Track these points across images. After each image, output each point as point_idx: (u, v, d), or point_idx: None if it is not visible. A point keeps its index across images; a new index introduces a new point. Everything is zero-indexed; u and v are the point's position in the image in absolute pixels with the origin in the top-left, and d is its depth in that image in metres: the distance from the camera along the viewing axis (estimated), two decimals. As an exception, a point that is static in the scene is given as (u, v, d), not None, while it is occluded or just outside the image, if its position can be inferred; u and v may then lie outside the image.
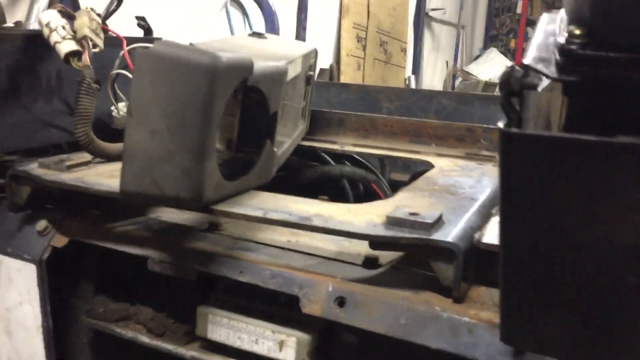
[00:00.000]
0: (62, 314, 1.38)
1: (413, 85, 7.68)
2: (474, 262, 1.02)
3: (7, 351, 1.42)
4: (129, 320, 1.33)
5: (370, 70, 7.02)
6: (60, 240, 1.31)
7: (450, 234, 1.00)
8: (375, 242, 1.03)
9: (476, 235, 1.05)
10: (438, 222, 1.03)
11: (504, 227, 0.74)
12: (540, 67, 0.68)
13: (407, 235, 1.00)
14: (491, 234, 1.07)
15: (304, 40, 5.58)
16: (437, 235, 0.99)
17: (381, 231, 1.02)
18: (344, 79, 6.65)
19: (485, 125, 1.63)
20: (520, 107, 0.73)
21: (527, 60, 0.72)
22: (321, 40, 6.04)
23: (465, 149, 1.64)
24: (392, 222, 1.03)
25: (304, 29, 6.20)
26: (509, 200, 0.71)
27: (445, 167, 1.51)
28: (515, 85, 0.69)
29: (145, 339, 1.27)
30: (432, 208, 1.12)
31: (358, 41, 6.85)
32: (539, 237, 0.72)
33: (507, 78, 0.68)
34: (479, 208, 1.17)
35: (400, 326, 0.97)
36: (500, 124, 0.69)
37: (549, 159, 0.66)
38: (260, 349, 1.15)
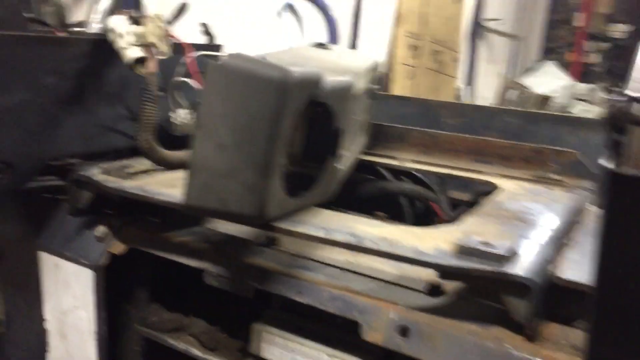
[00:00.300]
0: (116, 321, 1.38)
1: (464, 97, 7.55)
2: (548, 297, 0.96)
3: (61, 354, 1.43)
4: (182, 332, 1.31)
5: (423, 80, 6.94)
6: (118, 248, 1.30)
7: (524, 267, 0.94)
8: (445, 272, 0.98)
9: (551, 269, 0.99)
10: (511, 254, 0.98)
11: (602, 268, 0.68)
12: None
13: (479, 266, 0.94)
14: (567, 268, 1.01)
15: (356, 48, 5.54)
16: (511, 268, 0.94)
17: (451, 261, 0.97)
18: (396, 88, 6.59)
19: (554, 148, 1.56)
20: (624, 144, 0.67)
21: (633, 91, 0.66)
22: (373, 48, 6.00)
23: (532, 171, 1.56)
24: (463, 251, 0.98)
25: (358, 36, 6.17)
26: (612, 240, 0.66)
27: (512, 190, 1.44)
28: (622, 121, 0.64)
29: (197, 352, 1.26)
30: (503, 237, 1.06)
31: (411, 50, 6.78)
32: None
33: (615, 113, 0.63)
34: (552, 238, 1.11)
35: (468, 362, 0.92)
36: (605, 162, 0.63)
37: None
38: (315, 372, 1.12)
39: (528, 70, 9.13)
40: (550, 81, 8.12)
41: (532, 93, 7.36)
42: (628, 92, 0.66)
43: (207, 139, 0.99)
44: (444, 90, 7.33)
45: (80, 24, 2.08)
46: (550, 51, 9.95)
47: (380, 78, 5.91)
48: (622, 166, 0.63)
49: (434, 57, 7.05)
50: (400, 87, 6.54)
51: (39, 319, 1.45)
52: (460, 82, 7.68)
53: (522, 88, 7.60)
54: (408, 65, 6.61)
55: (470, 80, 7.96)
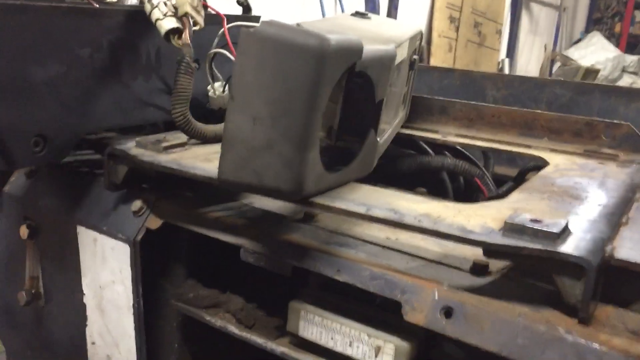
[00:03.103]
0: (153, 296, 1.37)
1: (507, 69, 7.35)
2: (603, 278, 0.90)
3: (99, 328, 1.43)
4: (218, 308, 1.30)
5: (463, 52, 6.77)
6: (155, 222, 1.29)
7: (579, 246, 0.88)
8: (492, 250, 0.92)
9: (607, 249, 0.93)
10: (564, 232, 0.92)
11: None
12: None
13: (530, 245, 0.89)
14: (625, 247, 0.95)
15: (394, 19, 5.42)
16: (565, 248, 0.88)
17: (499, 239, 0.91)
18: (434, 61, 6.44)
19: (607, 120, 1.47)
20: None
21: None
22: (412, 19, 5.86)
23: (584, 145, 1.48)
24: (511, 228, 0.92)
25: (396, 7, 6.03)
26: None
27: (562, 164, 1.37)
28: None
29: (234, 329, 1.24)
30: (554, 214, 1.00)
31: (451, 22, 6.61)
32: None
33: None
34: (607, 216, 1.04)
35: (517, 346, 0.87)
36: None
37: None
38: (354, 352, 1.08)
39: (574, 42, 8.80)
40: (597, 53, 7.82)
41: (578, 65, 7.10)
42: None
43: (241, 111, 0.95)
44: (485, 63, 7.14)
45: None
46: (597, 22, 9.56)
47: (421, 52, 5.79)
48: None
49: (475, 29, 6.86)
50: (440, 61, 6.40)
51: (78, 293, 1.45)
52: (502, 54, 7.46)
53: (568, 60, 7.33)
54: (447, 37, 6.46)
55: (512, 53, 7.72)
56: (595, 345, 0.83)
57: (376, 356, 1.06)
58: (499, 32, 7.26)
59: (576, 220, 0.98)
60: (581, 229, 0.95)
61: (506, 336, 0.88)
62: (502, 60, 7.37)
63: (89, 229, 1.39)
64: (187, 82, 1.30)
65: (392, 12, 5.62)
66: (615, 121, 1.47)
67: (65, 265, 1.46)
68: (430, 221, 0.98)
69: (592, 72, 6.78)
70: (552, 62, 7.72)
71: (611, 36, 9.04)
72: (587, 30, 9.26)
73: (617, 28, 9.40)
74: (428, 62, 6.34)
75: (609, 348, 0.82)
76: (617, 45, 8.56)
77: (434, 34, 6.49)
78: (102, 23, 1.34)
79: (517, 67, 7.77)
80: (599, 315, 0.90)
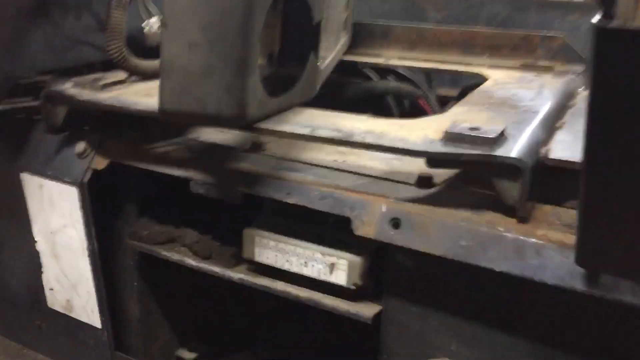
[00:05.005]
0: (107, 237, 1.37)
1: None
2: (539, 179, 0.94)
3: (56, 274, 1.43)
4: (174, 243, 1.31)
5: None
6: (100, 163, 1.27)
7: (515, 149, 0.92)
8: (434, 159, 0.95)
9: (542, 151, 0.97)
10: (501, 137, 0.95)
11: (589, 137, 0.65)
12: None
13: (469, 151, 0.92)
14: (558, 149, 0.99)
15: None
16: (501, 151, 0.91)
17: (440, 148, 0.94)
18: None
19: (543, 33, 1.50)
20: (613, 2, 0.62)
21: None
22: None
23: (521, 59, 1.51)
24: (451, 137, 0.95)
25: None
26: (599, 105, 0.63)
27: (501, 78, 1.40)
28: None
29: (191, 261, 1.25)
30: (492, 122, 1.03)
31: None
32: (631, 148, 0.64)
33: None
34: (543, 121, 1.08)
35: (461, 248, 0.91)
36: (595, 20, 0.59)
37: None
38: (309, 271, 1.11)
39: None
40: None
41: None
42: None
43: (176, 39, 0.93)
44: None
45: None
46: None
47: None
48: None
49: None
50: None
51: (30, 241, 1.44)
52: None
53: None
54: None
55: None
56: (533, 240, 0.88)
57: (331, 273, 1.09)
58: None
59: (513, 127, 1.02)
60: (517, 134, 0.98)
61: (450, 240, 0.93)
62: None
63: (33, 175, 1.36)
64: (120, 16, 1.26)
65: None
66: (551, 34, 1.50)
67: (14, 215, 1.44)
68: (374, 137, 1.00)
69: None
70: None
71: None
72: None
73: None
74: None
75: (545, 241, 0.87)
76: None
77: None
78: (25, -41, 1.28)
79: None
80: (537, 214, 0.94)
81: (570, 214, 0.93)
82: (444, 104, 1.74)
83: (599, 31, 0.58)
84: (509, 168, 0.90)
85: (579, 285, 0.82)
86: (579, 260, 0.76)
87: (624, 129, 0.64)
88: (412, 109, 1.73)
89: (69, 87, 1.26)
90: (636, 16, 0.64)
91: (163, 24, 0.94)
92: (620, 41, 0.57)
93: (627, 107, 0.62)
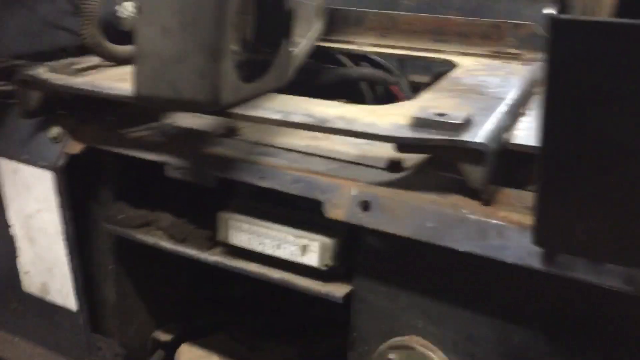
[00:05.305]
0: (83, 221, 1.38)
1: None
2: (503, 163, 0.98)
3: (31, 257, 1.44)
4: (149, 227, 1.32)
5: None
6: (75, 147, 1.28)
7: (479, 134, 0.95)
8: (402, 144, 0.99)
9: (506, 136, 1.01)
10: (466, 123, 0.99)
11: (546, 123, 0.69)
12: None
13: (435, 136, 0.95)
14: (521, 135, 1.03)
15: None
16: (466, 136, 0.95)
17: (408, 133, 0.97)
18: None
19: (512, 21, 1.54)
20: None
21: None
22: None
23: (491, 47, 1.55)
24: (419, 123, 0.99)
25: None
26: (554, 93, 0.66)
27: (470, 66, 1.44)
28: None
29: (167, 244, 1.27)
30: (459, 108, 1.07)
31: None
32: (584, 133, 0.68)
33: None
34: (508, 108, 1.12)
35: (427, 229, 0.95)
36: (549, 10, 0.62)
37: (602, 48, 0.60)
38: (282, 253, 1.14)
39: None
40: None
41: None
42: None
43: (150, 23, 0.95)
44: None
45: None
46: None
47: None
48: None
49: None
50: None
51: (5, 225, 1.44)
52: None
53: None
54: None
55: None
56: (495, 221, 0.92)
57: (303, 254, 1.12)
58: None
59: (478, 113, 1.05)
60: (482, 119, 1.02)
61: (417, 222, 0.96)
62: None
63: (8, 160, 1.37)
64: (94, 2, 1.26)
65: None
66: (519, 22, 1.55)
67: (-12, 199, 1.44)
68: (344, 122, 1.03)
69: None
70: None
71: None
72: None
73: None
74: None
75: (506, 222, 0.91)
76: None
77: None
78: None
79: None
80: (500, 197, 0.98)
81: (531, 197, 0.97)
82: (417, 90, 1.77)
83: (553, 22, 0.61)
84: (474, 152, 0.93)
85: (536, 263, 0.86)
86: (536, 240, 0.80)
87: (577, 116, 0.68)
88: (386, 95, 1.76)
89: (43, 72, 1.26)
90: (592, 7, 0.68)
91: (138, 10, 0.96)
92: (573, 32, 0.61)
93: (579, 95, 0.65)
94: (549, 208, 0.78)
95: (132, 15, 1.48)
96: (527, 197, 0.98)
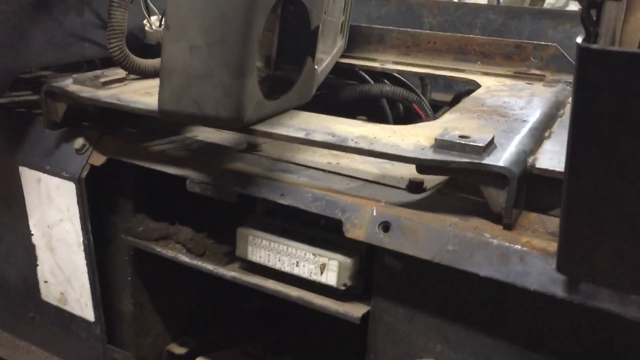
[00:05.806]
0: (103, 232, 1.39)
1: None
2: (526, 187, 0.97)
3: (51, 267, 1.45)
4: (168, 240, 1.33)
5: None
6: (98, 159, 1.29)
7: (502, 158, 0.95)
8: (424, 166, 0.98)
9: (529, 160, 1.00)
10: (490, 146, 0.98)
11: (572, 150, 0.68)
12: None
13: (458, 159, 0.95)
14: (545, 159, 1.02)
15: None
16: (489, 160, 0.94)
17: (430, 155, 0.97)
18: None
19: (535, 42, 1.54)
20: (598, 21, 0.65)
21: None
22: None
23: (514, 67, 1.55)
24: (441, 145, 0.98)
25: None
26: (582, 121, 0.65)
27: (493, 86, 1.43)
28: (597, -5, 0.62)
29: (185, 258, 1.27)
30: (482, 130, 1.06)
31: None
32: (610, 161, 0.67)
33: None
34: (531, 130, 1.11)
35: (448, 253, 0.94)
36: (579, 39, 0.62)
37: (630, 77, 0.59)
38: (301, 271, 1.14)
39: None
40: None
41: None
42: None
43: (177, 40, 0.96)
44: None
45: None
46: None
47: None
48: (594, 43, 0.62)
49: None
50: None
51: (26, 234, 1.46)
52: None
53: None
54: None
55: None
56: (517, 247, 0.91)
57: (322, 273, 1.12)
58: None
59: (502, 135, 1.05)
60: (505, 142, 1.01)
61: (438, 245, 0.95)
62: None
63: (32, 169, 1.38)
64: (121, 16, 1.28)
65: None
66: (543, 43, 1.54)
67: (11, 207, 1.46)
68: (366, 142, 1.03)
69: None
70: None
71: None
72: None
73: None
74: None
75: (529, 248, 0.90)
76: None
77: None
78: (28, -44, 1.30)
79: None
80: (522, 221, 0.97)
81: (554, 222, 0.96)
82: (438, 108, 1.77)
83: (583, 51, 0.60)
84: (496, 176, 0.92)
85: (559, 291, 0.85)
86: (560, 267, 0.79)
87: (603, 144, 0.67)
88: (406, 113, 1.76)
89: (69, 84, 1.28)
90: (620, 37, 0.67)
91: (165, 26, 0.97)
92: (603, 62, 0.60)
93: (606, 123, 0.65)
94: (573, 235, 0.77)
95: (158, 29, 1.50)
96: (550, 222, 0.97)
